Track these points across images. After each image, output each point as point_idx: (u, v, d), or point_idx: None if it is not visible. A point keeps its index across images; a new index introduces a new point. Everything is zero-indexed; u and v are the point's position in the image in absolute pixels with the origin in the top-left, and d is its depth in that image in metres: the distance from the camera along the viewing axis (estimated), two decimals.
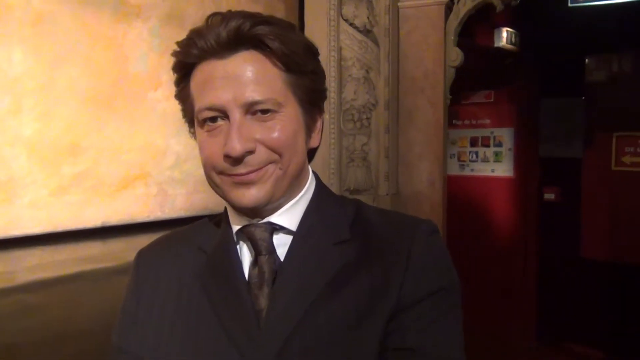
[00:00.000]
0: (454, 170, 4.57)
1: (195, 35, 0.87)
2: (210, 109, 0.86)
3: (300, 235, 0.92)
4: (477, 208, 4.58)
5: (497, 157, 4.57)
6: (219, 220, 1.01)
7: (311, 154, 0.99)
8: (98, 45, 2.38)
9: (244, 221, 0.94)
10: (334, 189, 2.71)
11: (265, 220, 0.93)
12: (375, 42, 2.76)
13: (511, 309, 4.50)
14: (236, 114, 0.85)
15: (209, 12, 0.88)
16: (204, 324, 0.90)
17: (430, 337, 0.86)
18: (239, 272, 0.92)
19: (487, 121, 4.64)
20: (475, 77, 4.11)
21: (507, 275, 4.52)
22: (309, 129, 0.94)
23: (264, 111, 0.86)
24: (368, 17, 2.76)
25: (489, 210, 4.59)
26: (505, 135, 4.57)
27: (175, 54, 0.89)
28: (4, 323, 1.81)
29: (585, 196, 4.32)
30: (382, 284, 0.88)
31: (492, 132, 4.63)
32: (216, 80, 0.85)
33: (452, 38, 2.77)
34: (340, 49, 2.76)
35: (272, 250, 0.92)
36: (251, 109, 0.86)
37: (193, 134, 0.94)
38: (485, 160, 4.62)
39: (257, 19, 0.86)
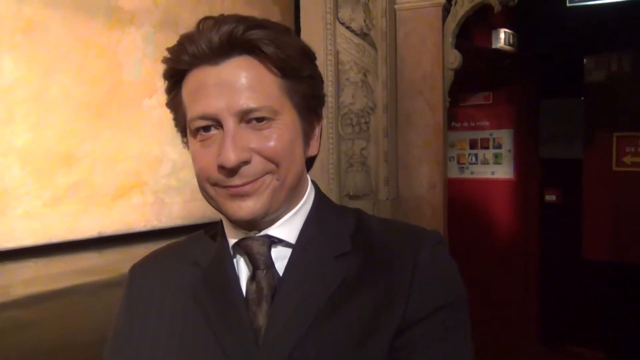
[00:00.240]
0: (453, 173, 4.53)
1: (186, 40, 0.83)
2: (202, 117, 0.82)
3: (299, 248, 0.88)
4: (477, 211, 4.54)
5: (497, 159, 4.54)
6: (214, 233, 0.97)
7: (309, 162, 0.95)
8: (91, 52, 2.34)
9: (241, 234, 0.90)
10: (333, 194, 2.68)
11: (262, 233, 0.89)
12: (373, 45, 2.74)
13: (513, 311, 4.47)
14: (230, 123, 0.81)
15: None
16: (200, 342, 0.86)
17: (438, 355, 0.82)
18: (236, 288, 0.88)
19: (486, 123, 4.62)
20: (473, 79, 4.08)
21: (509, 278, 4.49)
22: (307, 137, 0.90)
23: (259, 119, 0.82)
24: (365, 20, 2.74)
25: (490, 212, 4.55)
26: (505, 136, 4.55)
27: (165, 60, 0.85)
28: None
29: (586, 197, 4.29)
30: (386, 299, 0.84)
31: (491, 134, 4.60)
32: (208, 87, 0.82)
33: (450, 40, 2.75)
34: (337, 53, 2.74)
35: (270, 264, 0.87)
36: (246, 117, 0.82)
37: (186, 143, 0.90)
38: (485, 162, 4.59)
39: (250, 22, 0.82)
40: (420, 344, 0.81)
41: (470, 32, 3.75)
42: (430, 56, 2.73)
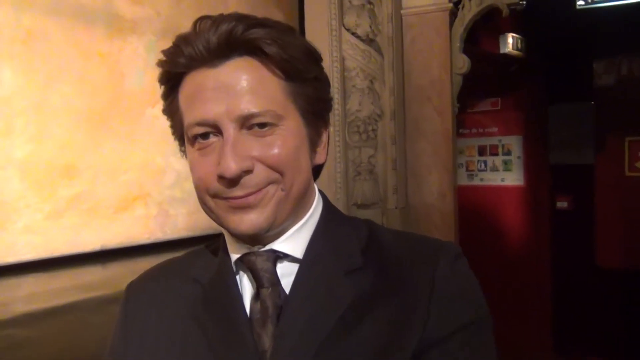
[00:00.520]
0: (462, 180, 4.47)
1: (181, 41, 0.77)
2: (200, 124, 0.76)
3: (307, 264, 0.82)
4: (487, 219, 4.47)
5: (507, 165, 4.48)
6: (216, 247, 0.91)
7: (316, 171, 0.88)
8: (92, 62, 2.31)
9: (244, 249, 0.84)
10: (341, 204, 2.63)
11: (267, 247, 0.82)
12: (379, 51, 2.70)
13: (526, 320, 4.39)
14: (230, 129, 0.75)
15: None
16: None
17: None
18: (239, 308, 0.82)
19: (495, 129, 4.56)
20: (480, 84, 4.02)
21: (520, 287, 4.41)
22: (313, 144, 0.84)
23: (262, 125, 0.76)
24: (370, 26, 2.70)
25: (500, 220, 4.49)
26: (514, 143, 4.48)
27: (160, 63, 0.79)
28: None
29: (598, 203, 4.23)
30: (402, 318, 0.77)
31: (500, 140, 4.54)
32: (206, 91, 0.76)
33: (458, 44, 2.71)
34: (343, 60, 2.71)
35: (275, 281, 0.81)
36: (247, 123, 0.76)
37: (184, 152, 0.84)
38: (494, 169, 4.53)
39: (251, 21, 0.76)
40: None
41: (477, 37, 3.69)
42: (437, 61, 2.69)
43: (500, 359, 0.81)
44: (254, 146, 0.76)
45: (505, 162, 4.50)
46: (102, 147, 2.40)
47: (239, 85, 0.75)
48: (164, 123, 0.85)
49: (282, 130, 0.77)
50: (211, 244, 0.93)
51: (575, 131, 4.44)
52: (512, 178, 4.47)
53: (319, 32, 2.69)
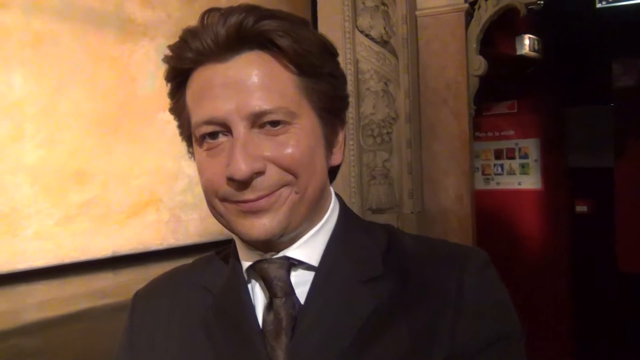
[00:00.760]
0: (479, 184, 4.40)
1: (189, 36, 0.72)
2: (209, 122, 0.72)
3: (323, 272, 0.77)
4: (505, 223, 4.40)
5: (524, 169, 4.40)
6: (226, 254, 0.86)
7: (332, 173, 0.83)
8: (103, 66, 2.28)
9: (256, 256, 0.79)
10: (355, 208, 2.58)
11: (280, 254, 0.77)
12: (393, 53, 2.66)
13: (545, 328, 4.30)
14: (240, 128, 0.70)
15: None
16: None
17: None
18: (251, 318, 0.77)
19: (511, 132, 4.48)
20: (496, 87, 3.96)
21: (540, 293, 4.33)
22: (329, 144, 0.78)
23: (274, 123, 0.71)
24: (384, 28, 2.66)
25: (518, 225, 4.41)
26: (531, 146, 4.40)
27: (167, 59, 0.75)
28: None
29: (619, 207, 4.13)
30: (426, 330, 0.72)
31: (516, 144, 4.47)
32: (215, 87, 0.71)
33: (474, 46, 2.65)
34: (356, 62, 2.67)
35: (289, 291, 0.76)
36: (258, 121, 0.71)
37: (192, 153, 0.79)
38: (511, 172, 4.45)
39: (262, 12, 0.71)
40: None
41: (493, 39, 3.63)
42: (453, 63, 2.64)
43: None
44: (266, 146, 0.71)
45: (522, 166, 4.42)
46: (113, 152, 2.37)
47: (250, 81, 0.71)
48: (176, 127, 0.81)
49: (296, 128, 0.72)
50: (221, 250, 0.89)
51: (593, 134, 4.36)
52: (530, 182, 4.38)
53: (332, 34, 2.65)
